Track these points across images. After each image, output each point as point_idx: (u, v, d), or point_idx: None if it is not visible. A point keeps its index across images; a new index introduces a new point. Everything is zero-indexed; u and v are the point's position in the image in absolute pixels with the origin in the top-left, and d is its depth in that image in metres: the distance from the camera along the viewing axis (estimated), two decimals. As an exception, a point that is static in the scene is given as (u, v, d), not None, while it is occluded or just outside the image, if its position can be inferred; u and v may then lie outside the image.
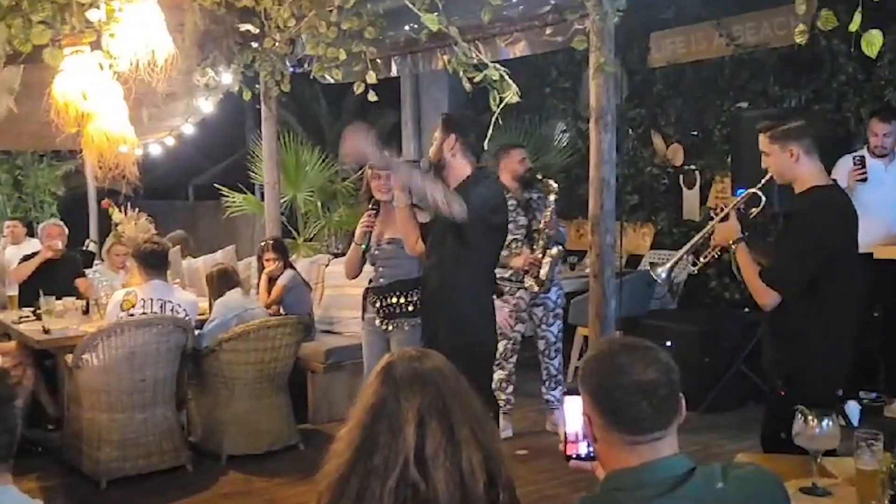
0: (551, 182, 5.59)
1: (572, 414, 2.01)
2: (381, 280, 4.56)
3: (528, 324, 5.76)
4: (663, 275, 3.84)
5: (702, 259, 3.77)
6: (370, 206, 4.60)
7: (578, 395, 1.93)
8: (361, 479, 1.73)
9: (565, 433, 2.04)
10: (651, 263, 3.95)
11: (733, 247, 3.48)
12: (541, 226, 5.52)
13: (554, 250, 5.51)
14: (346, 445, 1.78)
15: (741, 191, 3.73)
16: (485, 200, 3.81)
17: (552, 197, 5.54)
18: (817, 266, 3.30)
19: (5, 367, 1.85)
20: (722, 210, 3.64)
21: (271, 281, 6.26)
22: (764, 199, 3.59)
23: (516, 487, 1.84)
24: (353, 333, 6.35)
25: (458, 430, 1.75)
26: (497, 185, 4.16)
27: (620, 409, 1.77)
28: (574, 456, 2.03)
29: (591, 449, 1.97)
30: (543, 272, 5.45)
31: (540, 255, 5.47)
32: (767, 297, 3.34)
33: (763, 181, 3.57)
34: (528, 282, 5.48)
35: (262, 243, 6.57)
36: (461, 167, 3.89)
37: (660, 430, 1.77)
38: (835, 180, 4.02)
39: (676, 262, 3.82)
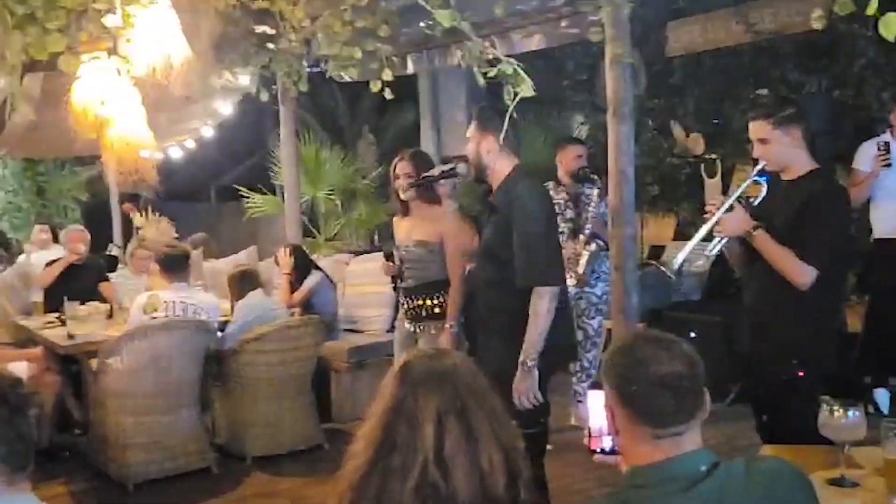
0: (594, 176, 5.58)
1: (597, 408, 2.00)
2: (410, 281, 4.53)
3: None
4: (675, 266, 3.80)
5: (707, 253, 3.71)
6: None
7: (602, 389, 1.92)
8: (381, 479, 1.72)
9: (590, 427, 2.03)
10: (661, 263, 3.88)
11: (753, 234, 3.43)
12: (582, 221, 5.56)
13: (592, 246, 5.51)
14: (365, 446, 1.77)
15: (763, 178, 3.69)
16: (541, 207, 3.56)
17: (595, 192, 5.54)
18: (841, 245, 3.36)
19: (18, 377, 1.85)
20: (722, 203, 3.52)
21: (292, 283, 6.27)
22: (767, 185, 3.55)
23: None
24: (376, 332, 6.37)
25: (478, 429, 1.74)
26: (540, 185, 3.92)
27: (642, 402, 1.76)
28: (599, 450, 2.03)
29: (616, 444, 1.95)
30: (580, 267, 5.46)
31: (581, 250, 5.48)
32: (805, 275, 3.31)
33: (757, 169, 3.54)
34: (569, 275, 5.46)
35: (280, 249, 6.58)
36: (502, 166, 3.62)
37: (682, 424, 1.76)
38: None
39: (686, 257, 3.77)
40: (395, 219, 4.82)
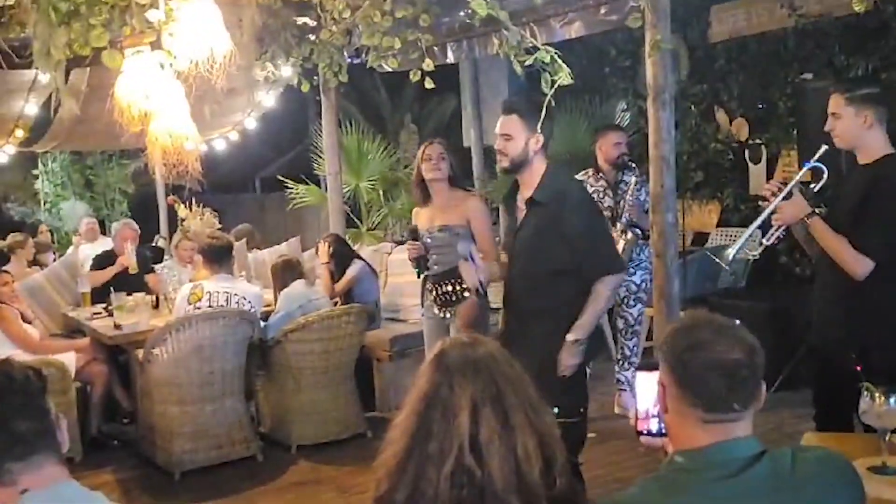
0: (632, 164, 5.56)
1: (644, 390, 2.00)
2: (436, 267, 4.56)
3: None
4: (730, 256, 3.73)
5: (764, 241, 3.66)
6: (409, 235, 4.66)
7: (650, 370, 1.94)
8: (417, 466, 1.73)
9: (636, 409, 2.03)
10: (712, 251, 3.83)
11: (808, 221, 3.40)
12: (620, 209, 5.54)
13: (629, 234, 5.47)
14: (402, 433, 1.79)
15: (807, 164, 3.64)
16: (591, 199, 3.74)
17: (633, 180, 5.51)
18: None
19: (37, 367, 1.89)
20: (780, 189, 3.50)
21: (332, 272, 6.32)
22: (826, 171, 3.50)
23: (586, 470, 1.83)
24: (418, 321, 6.36)
25: (513, 416, 1.74)
26: (575, 179, 3.97)
27: (697, 384, 1.74)
28: (645, 432, 2.02)
29: (663, 425, 1.95)
30: None
31: (618, 238, 5.44)
32: (860, 266, 3.28)
33: (818, 153, 3.50)
34: None
35: (321, 241, 6.64)
36: (539, 162, 3.64)
37: (734, 412, 1.74)
38: None
39: (741, 247, 3.71)
40: (414, 210, 4.87)
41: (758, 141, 7.75)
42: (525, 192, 3.67)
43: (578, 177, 5.48)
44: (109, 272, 6.65)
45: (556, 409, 2.96)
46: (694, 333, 1.78)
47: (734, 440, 1.74)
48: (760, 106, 7.72)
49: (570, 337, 3.49)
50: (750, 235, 3.70)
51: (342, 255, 6.39)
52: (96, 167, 12.56)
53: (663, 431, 1.96)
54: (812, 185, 3.56)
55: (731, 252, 3.75)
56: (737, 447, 1.73)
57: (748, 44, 7.70)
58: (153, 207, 11.54)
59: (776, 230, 3.55)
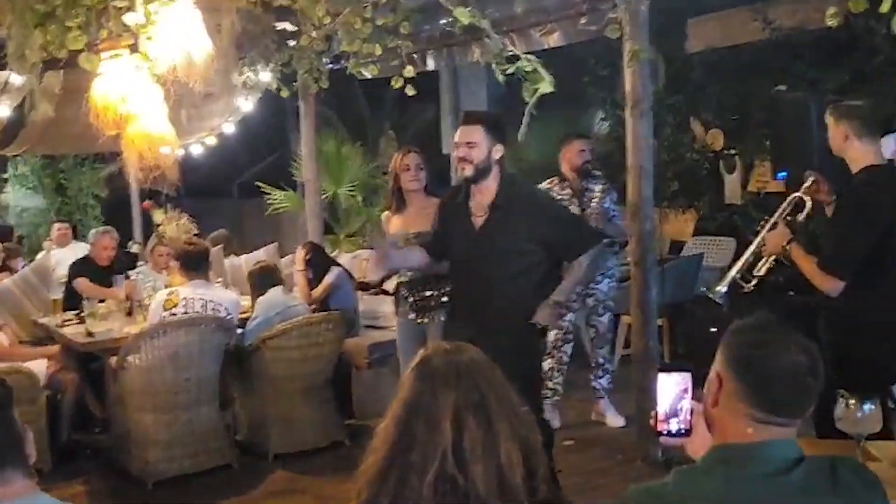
0: (597, 172, 5.56)
1: (665, 391, 2.02)
2: (410, 274, 4.58)
3: (579, 312, 5.73)
4: (722, 290, 3.85)
5: (755, 272, 3.78)
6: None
7: (671, 372, 2.00)
8: (400, 474, 1.72)
9: (656, 410, 2.04)
10: (707, 287, 4.02)
11: (788, 248, 3.55)
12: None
13: None
14: (384, 441, 1.77)
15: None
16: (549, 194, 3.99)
17: (598, 188, 5.51)
18: (868, 244, 3.38)
19: (1, 377, 1.86)
20: (767, 221, 3.71)
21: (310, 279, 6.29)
22: (809, 203, 3.65)
23: (564, 477, 1.83)
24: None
25: (496, 423, 1.74)
26: (529, 185, 4.21)
27: (763, 384, 1.74)
28: (665, 432, 2.03)
29: (682, 426, 1.99)
30: None
31: None
32: (830, 284, 3.41)
33: (805, 186, 3.65)
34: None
35: (298, 248, 6.61)
36: (498, 172, 3.84)
37: (789, 418, 1.76)
38: (891, 161, 4.07)
39: (733, 278, 3.81)
40: (384, 214, 4.88)
41: (732, 151, 7.83)
42: (483, 199, 3.82)
43: (543, 185, 5.49)
44: (103, 294, 6.47)
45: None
46: (763, 335, 1.80)
47: (781, 440, 1.75)
48: (735, 117, 7.80)
49: (551, 299, 3.76)
50: (738, 271, 3.81)
51: (319, 262, 6.35)
52: (68, 171, 12.42)
53: (682, 432, 2.00)
54: (797, 217, 3.69)
55: (721, 288, 3.89)
56: (782, 448, 1.75)
57: (723, 56, 7.79)
58: (126, 212, 11.43)
59: (765, 261, 3.70)
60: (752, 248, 3.74)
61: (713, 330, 6.32)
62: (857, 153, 3.50)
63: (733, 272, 3.79)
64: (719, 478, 1.75)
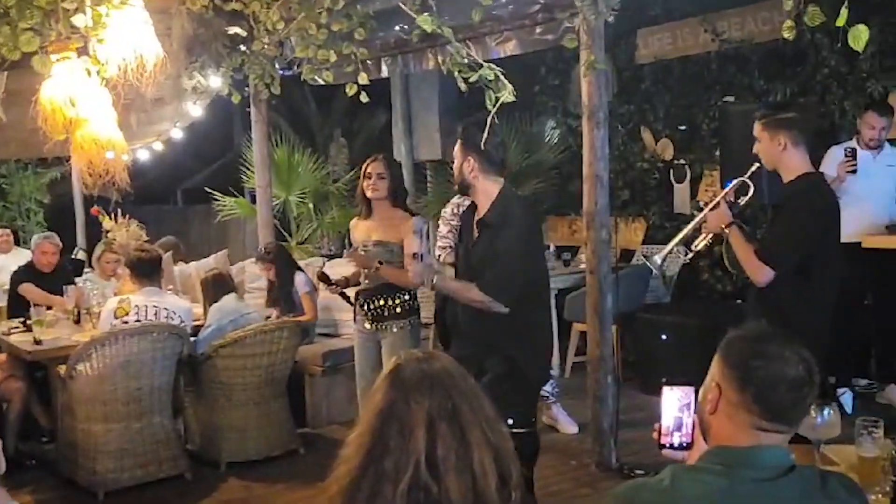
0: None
1: (668, 406, 2.07)
2: (367, 283, 4.56)
3: None
4: (658, 260, 4.04)
5: (693, 247, 3.96)
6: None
7: (675, 387, 2.05)
8: (373, 483, 1.71)
9: (660, 424, 2.09)
10: (644, 255, 4.17)
11: (727, 231, 3.69)
12: None
13: None
14: (356, 450, 1.76)
15: (730, 183, 3.88)
16: (525, 224, 3.68)
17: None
18: (806, 247, 3.55)
19: None
20: (712, 200, 3.84)
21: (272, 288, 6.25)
22: (752, 187, 3.79)
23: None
24: (351, 335, 6.33)
25: (469, 432, 1.73)
26: (522, 202, 3.92)
27: (763, 393, 1.78)
28: (668, 445, 2.08)
29: (684, 440, 2.04)
30: None
31: None
32: (762, 274, 3.56)
33: (751, 171, 3.79)
34: None
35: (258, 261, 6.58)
36: (488, 186, 3.68)
37: (787, 425, 1.81)
38: (821, 172, 4.31)
39: (671, 251, 4.00)
40: (353, 221, 4.84)
41: (682, 161, 7.93)
42: (479, 214, 3.76)
43: (455, 200, 5.46)
44: (54, 302, 6.32)
45: (510, 421, 3.08)
46: (762, 344, 1.84)
47: (775, 448, 1.80)
48: (683, 128, 7.91)
49: (438, 280, 3.72)
50: (676, 244, 4.03)
51: (284, 262, 6.31)
52: (10, 176, 12.16)
53: (684, 445, 2.04)
54: (739, 201, 3.83)
55: (658, 258, 4.17)
56: (775, 455, 1.80)
57: (673, 66, 7.89)
58: (70, 218, 11.21)
59: (704, 237, 3.87)
60: (693, 223, 3.89)
61: (663, 338, 6.42)
62: (795, 161, 3.66)
63: (672, 244, 3.99)
64: (715, 479, 1.79)
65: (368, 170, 4.62)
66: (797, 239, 3.57)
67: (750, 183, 3.79)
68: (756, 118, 3.79)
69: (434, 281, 3.70)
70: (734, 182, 3.84)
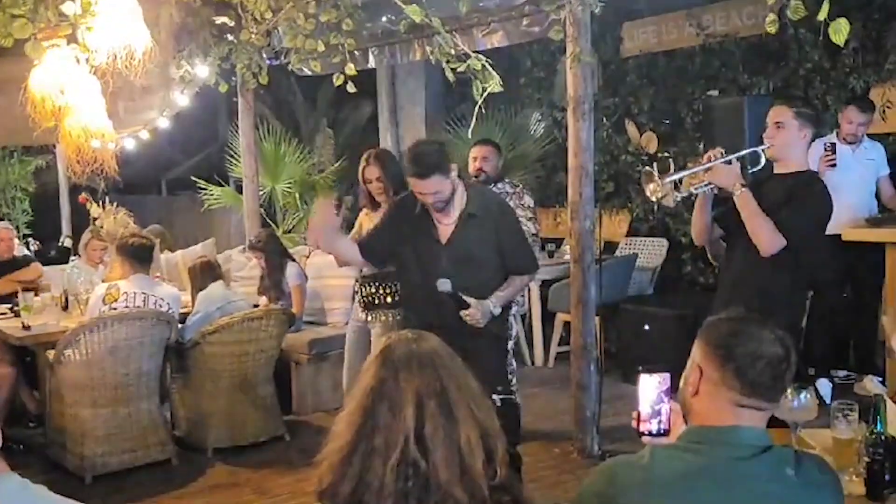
0: (498, 184, 5.51)
1: (646, 392, 2.09)
2: (365, 269, 4.61)
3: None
4: (667, 180, 3.76)
5: (692, 190, 3.79)
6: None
7: (652, 374, 2.08)
8: (363, 459, 1.76)
9: (639, 411, 2.12)
10: (647, 170, 3.85)
11: (737, 192, 3.62)
12: None
13: None
14: (347, 427, 1.81)
15: (748, 149, 3.87)
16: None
17: (505, 189, 5.53)
18: (817, 231, 3.68)
19: None
20: (723, 155, 3.69)
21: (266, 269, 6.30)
22: (764, 160, 3.76)
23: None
24: (337, 324, 6.40)
25: (456, 410, 1.79)
26: (495, 193, 4.26)
27: (742, 368, 1.85)
28: (647, 432, 2.10)
29: (663, 427, 2.07)
30: None
31: None
32: (773, 243, 3.56)
33: (764, 147, 3.77)
34: None
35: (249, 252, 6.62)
36: (462, 185, 3.87)
37: (766, 401, 1.88)
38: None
39: (681, 178, 3.79)
40: (362, 212, 4.89)
41: (666, 154, 7.99)
42: (451, 210, 3.82)
43: None
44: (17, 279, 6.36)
45: (499, 388, 3.29)
46: (740, 324, 1.92)
47: (752, 427, 1.87)
48: (667, 121, 7.98)
49: (490, 304, 3.78)
50: (680, 176, 3.79)
51: (275, 249, 6.33)
52: (-5, 164, 12.10)
53: (663, 432, 2.07)
54: (749, 168, 3.79)
55: (668, 180, 3.77)
56: (752, 434, 1.86)
57: (657, 60, 7.95)
58: (55, 206, 11.18)
59: (704, 185, 3.74)
60: (699, 168, 3.74)
61: (646, 328, 6.50)
62: (802, 156, 3.77)
63: (681, 174, 3.79)
64: (693, 457, 1.86)
65: (366, 175, 4.68)
66: (819, 216, 3.67)
67: (763, 155, 3.75)
68: (785, 104, 3.79)
69: (493, 311, 3.80)
70: (751, 150, 3.82)
